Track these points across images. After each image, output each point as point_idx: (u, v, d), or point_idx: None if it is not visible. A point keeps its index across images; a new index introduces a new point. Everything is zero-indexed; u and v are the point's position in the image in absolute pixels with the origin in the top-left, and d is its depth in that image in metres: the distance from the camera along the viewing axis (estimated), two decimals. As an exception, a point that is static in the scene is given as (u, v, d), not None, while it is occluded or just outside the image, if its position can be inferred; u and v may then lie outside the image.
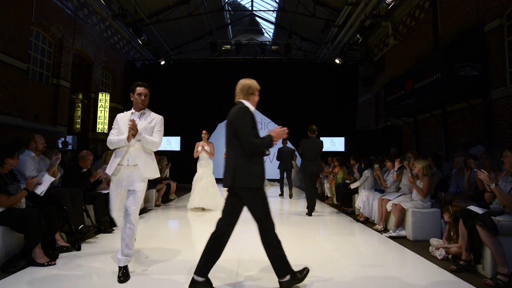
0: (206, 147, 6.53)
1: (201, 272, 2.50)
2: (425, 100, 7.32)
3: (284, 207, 7.49)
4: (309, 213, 5.90)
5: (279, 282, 2.53)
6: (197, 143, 6.64)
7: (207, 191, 6.44)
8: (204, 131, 6.59)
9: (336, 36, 13.13)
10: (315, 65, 12.67)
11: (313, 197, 6.01)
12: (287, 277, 2.52)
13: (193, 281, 2.50)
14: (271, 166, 13.95)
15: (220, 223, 2.58)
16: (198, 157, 6.68)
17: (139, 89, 3.05)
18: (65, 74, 8.82)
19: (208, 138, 6.65)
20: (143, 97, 3.05)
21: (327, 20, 12.87)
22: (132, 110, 3.10)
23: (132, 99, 3.07)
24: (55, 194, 3.75)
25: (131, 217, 2.85)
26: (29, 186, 3.24)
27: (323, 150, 6.05)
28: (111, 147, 3.02)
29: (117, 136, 2.99)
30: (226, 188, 2.58)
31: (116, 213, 3.10)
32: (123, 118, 3.07)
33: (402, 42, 10.21)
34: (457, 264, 3.10)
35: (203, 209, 6.35)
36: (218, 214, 2.66)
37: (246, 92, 2.71)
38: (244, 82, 2.75)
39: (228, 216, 2.59)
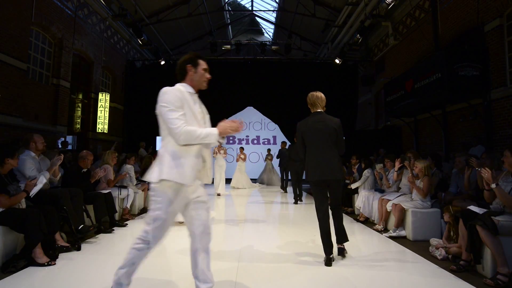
0: None
1: (341, 240, 3.43)
2: (425, 100, 7.32)
3: (284, 207, 7.50)
4: (295, 202, 7.40)
5: (338, 247, 3.41)
6: None
7: None
8: None
9: (336, 36, 13.14)
10: (315, 65, 12.67)
11: (299, 189, 7.50)
12: (343, 245, 3.42)
13: (341, 249, 3.39)
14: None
15: (325, 208, 3.32)
16: None
17: (205, 64, 2.22)
18: (65, 74, 8.82)
19: None
20: (208, 75, 2.24)
21: (327, 20, 12.87)
22: (190, 89, 2.19)
23: (190, 72, 2.19)
24: (55, 194, 3.74)
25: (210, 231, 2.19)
26: (28, 187, 3.24)
27: None
28: (191, 142, 2.01)
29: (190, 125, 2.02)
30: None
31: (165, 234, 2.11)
32: (187, 98, 2.12)
33: (402, 42, 10.21)
34: (457, 264, 3.10)
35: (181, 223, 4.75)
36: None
37: (325, 104, 3.43)
38: (322, 95, 3.42)
39: (326, 202, 3.33)
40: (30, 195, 3.37)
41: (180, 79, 2.22)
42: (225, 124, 2.08)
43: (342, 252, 3.40)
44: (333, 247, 3.27)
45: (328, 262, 3.18)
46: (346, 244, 3.50)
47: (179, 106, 2.04)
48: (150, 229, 2.04)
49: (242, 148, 11.70)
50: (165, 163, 2.03)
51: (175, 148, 2.05)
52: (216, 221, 5.48)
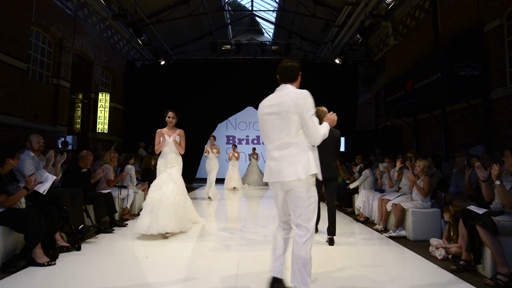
0: (176, 137, 4.40)
1: (332, 232, 4.01)
2: (425, 100, 7.31)
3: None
4: None
5: (329, 238, 3.97)
6: (158, 130, 4.48)
7: (179, 208, 4.27)
8: (170, 113, 4.44)
9: (336, 36, 13.13)
10: (315, 65, 12.66)
11: None
12: (333, 236, 3.99)
13: (331, 239, 3.95)
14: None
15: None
16: (161, 153, 4.50)
17: None
18: (65, 74, 8.82)
19: (175, 123, 4.51)
20: None
21: (327, 20, 12.87)
22: None
23: (299, 79, 2.48)
24: (55, 194, 3.75)
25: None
26: (28, 184, 3.23)
27: None
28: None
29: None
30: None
31: None
32: None
33: (402, 42, 10.20)
34: (457, 264, 3.10)
35: (165, 236, 4.12)
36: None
37: None
38: (325, 109, 3.96)
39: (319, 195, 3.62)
40: (42, 192, 3.40)
41: (288, 81, 2.43)
42: (331, 116, 2.44)
43: (331, 242, 3.95)
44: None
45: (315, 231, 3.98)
46: (346, 243, 3.63)
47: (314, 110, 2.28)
48: (313, 219, 2.25)
49: (235, 146, 11.15)
50: (309, 160, 2.23)
51: (310, 146, 2.27)
52: (211, 230, 4.93)
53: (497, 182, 3.00)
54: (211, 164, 8.33)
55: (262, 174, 12.12)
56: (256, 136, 15.03)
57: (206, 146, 8.63)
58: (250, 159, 12.45)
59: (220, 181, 9.04)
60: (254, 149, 12.64)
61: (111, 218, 4.74)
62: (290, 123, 2.22)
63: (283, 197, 2.29)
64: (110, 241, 4.04)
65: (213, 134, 9.55)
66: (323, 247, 3.86)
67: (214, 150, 8.38)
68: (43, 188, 3.43)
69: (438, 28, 8.28)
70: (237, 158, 10.62)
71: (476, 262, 3.02)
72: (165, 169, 4.41)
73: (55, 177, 3.65)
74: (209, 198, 8.19)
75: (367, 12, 10.15)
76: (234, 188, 10.35)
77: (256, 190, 10.74)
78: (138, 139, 10.76)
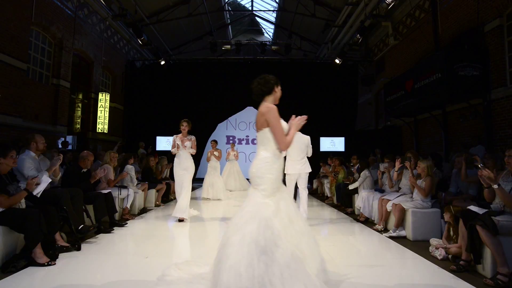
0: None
1: None
2: (425, 100, 7.32)
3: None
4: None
5: None
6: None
7: None
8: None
9: (336, 36, 13.13)
10: (315, 65, 12.67)
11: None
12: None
13: None
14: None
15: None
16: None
17: None
18: (65, 74, 8.82)
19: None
20: None
21: (327, 20, 12.87)
22: None
23: None
24: (55, 194, 3.74)
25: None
26: (29, 186, 3.23)
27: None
28: None
29: None
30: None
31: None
32: None
33: (402, 42, 10.21)
34: (457, 264, 3.10)
35: None
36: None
37: None
38: None
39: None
40: (35, 194, 3.37)
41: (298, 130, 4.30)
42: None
43: None
44: None
45: None
46: (346, 243, 3.68)
47: None
48: None
49: (215, 142, 8.64)
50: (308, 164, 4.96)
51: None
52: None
53: (495, 186, 2.99)
54: (183, 167, 5.44)
55: (244, 176, 9.82)
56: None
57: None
58: (228, 158, 10.01)
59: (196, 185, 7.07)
60: (233, 144, 10.87)
61: (111, 218, 4.74)
62: (304, 149, 4.87)
63: (296, 179, 4.92)
64: (110, 241, 4.03)
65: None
66: (323, 247, 3.85)
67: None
68: (37, 190, 3.38)
69: (438, 28, 8.29)
70: (218, 158, 8.36)
71: (476, 262, 3.02)
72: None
73: (50, 180, 3.60)
74: (180, 220, 5.19)
75: (367, 12, 10.15)
76: (209, 198, 8.02)
77: (238, 197, 8.49)
78: (138, 139, 10.76)
